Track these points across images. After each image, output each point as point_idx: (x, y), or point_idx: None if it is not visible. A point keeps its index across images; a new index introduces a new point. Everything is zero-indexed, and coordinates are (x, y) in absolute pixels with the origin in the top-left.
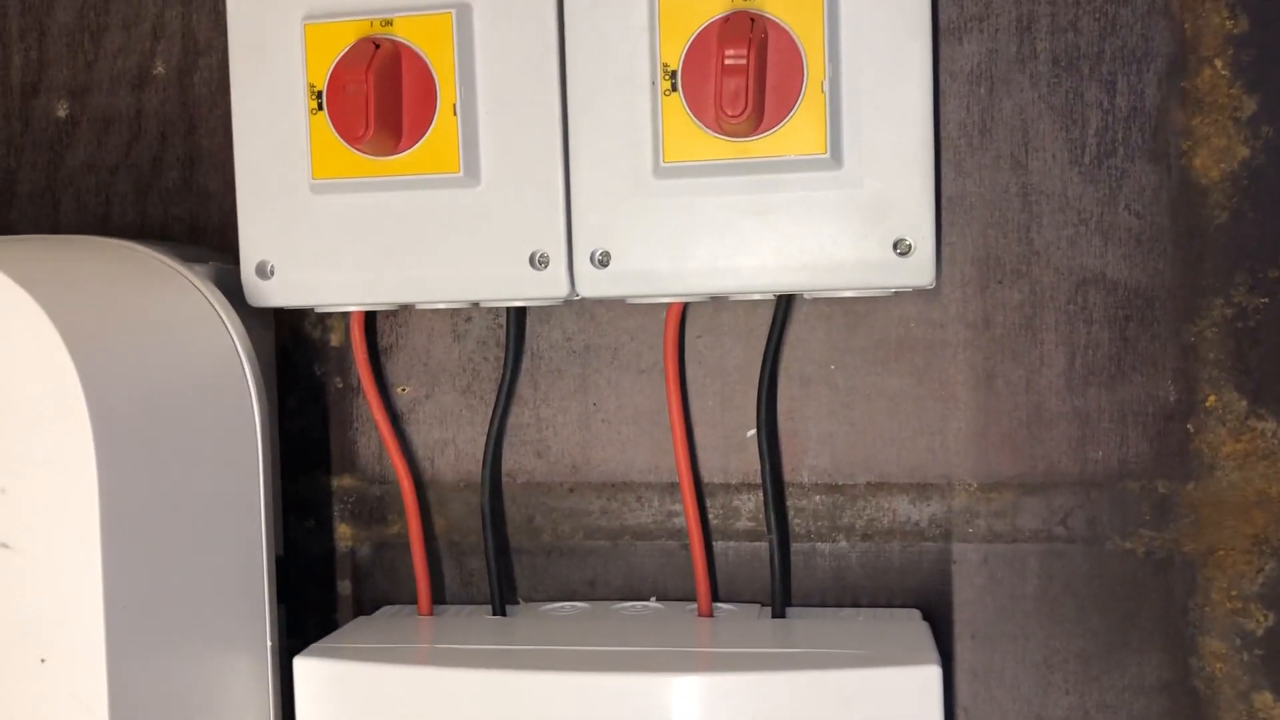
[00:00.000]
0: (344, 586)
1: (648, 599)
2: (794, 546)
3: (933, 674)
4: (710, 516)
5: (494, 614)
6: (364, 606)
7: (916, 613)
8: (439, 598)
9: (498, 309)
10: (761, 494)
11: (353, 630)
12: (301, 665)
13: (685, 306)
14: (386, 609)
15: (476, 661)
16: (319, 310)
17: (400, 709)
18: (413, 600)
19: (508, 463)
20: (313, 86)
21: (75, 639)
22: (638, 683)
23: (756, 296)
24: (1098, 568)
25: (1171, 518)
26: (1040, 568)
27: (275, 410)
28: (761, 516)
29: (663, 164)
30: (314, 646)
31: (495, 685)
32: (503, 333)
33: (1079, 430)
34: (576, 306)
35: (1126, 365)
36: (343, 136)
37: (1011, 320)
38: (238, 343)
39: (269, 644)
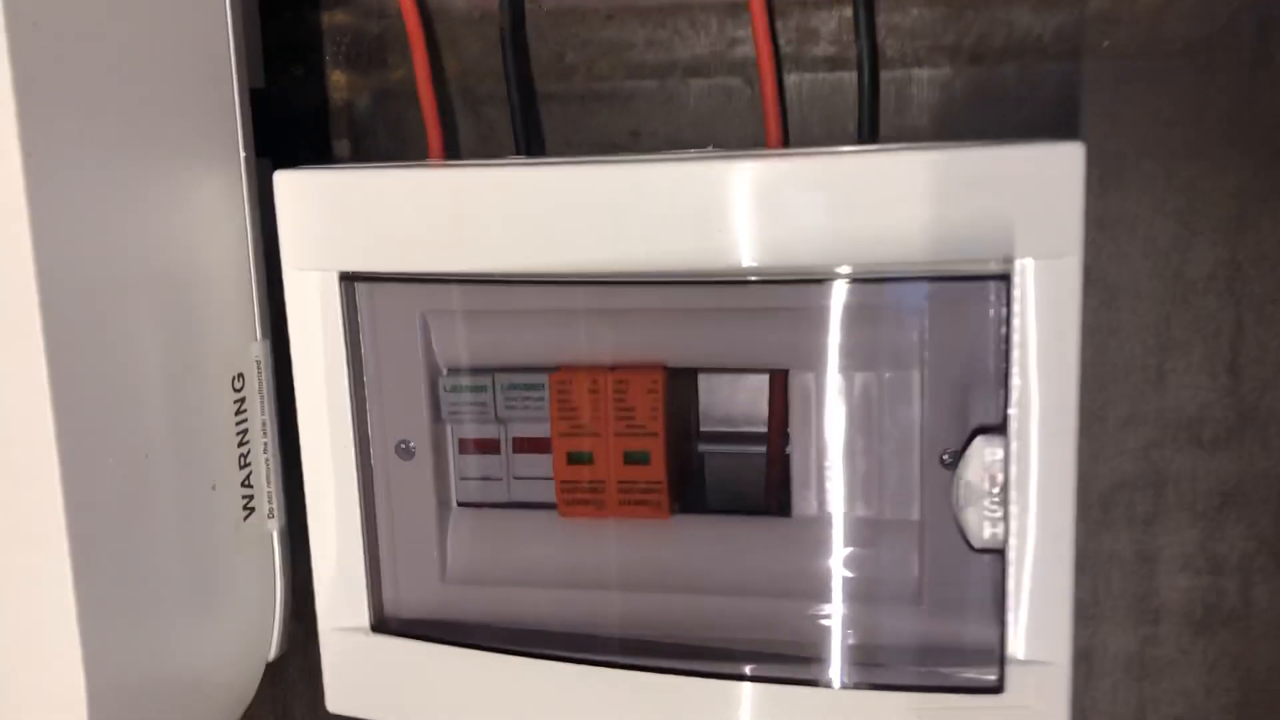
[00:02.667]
0: (341, 146)
1: (704, 148)
2: (884, 75)
3: (1076, 152)
4: (781, 42)
5: None
6: None
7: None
8: (453, 154)
9: None
10: (852, 8)
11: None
12: (282, 178)
13: None
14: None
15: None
16: None
17: (398, 216)
18: (422, 158)
19: None
20: None
21: None
22: (699, 170)
23: None
24: (1267, 88)
25: None
26: (1191, 89)
27: None
28: (844, 40)
29: None
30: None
31: (522, 180)
32: None
33: None
34: None
35: None
36: None
37: None
38: None
39: (241, 154)
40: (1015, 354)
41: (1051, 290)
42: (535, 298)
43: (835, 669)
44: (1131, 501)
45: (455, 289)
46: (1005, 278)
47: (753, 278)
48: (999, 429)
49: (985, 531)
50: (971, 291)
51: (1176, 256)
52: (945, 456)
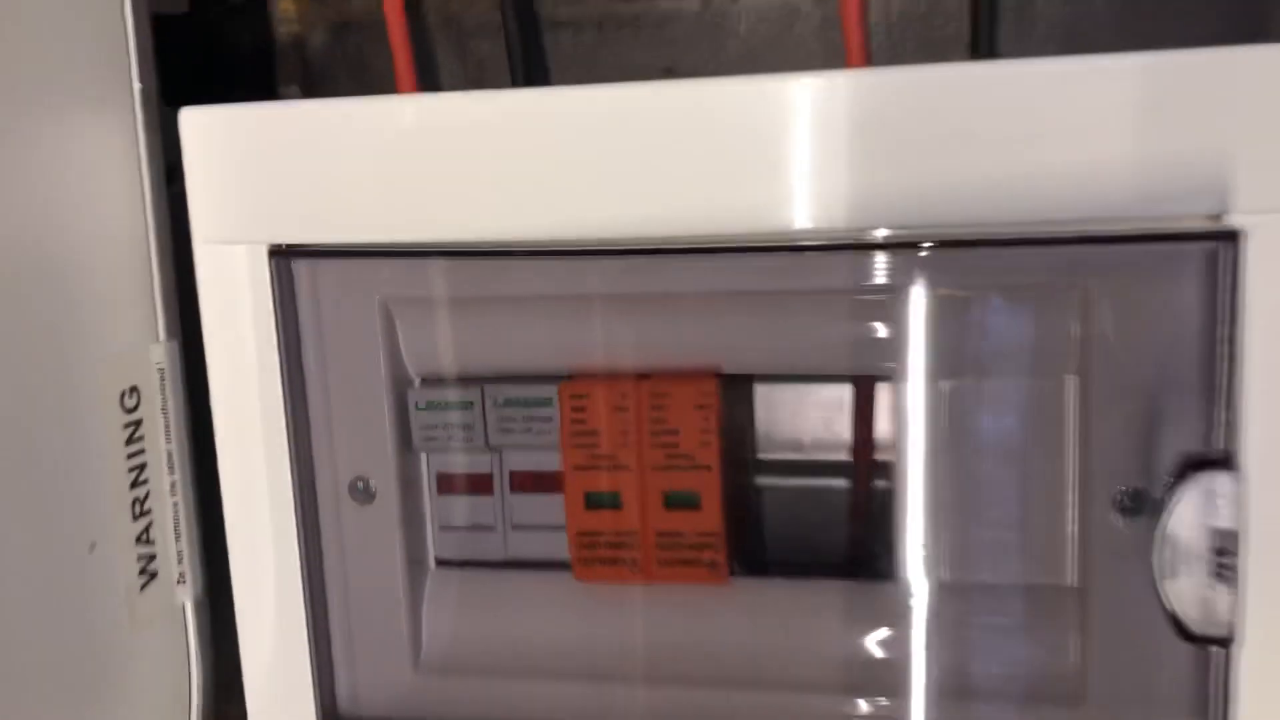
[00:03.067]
0: (291, 93)
1: None
2: None
3: None
4: None
5: None
6: None
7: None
8: None
9: None
10: None
11: None
12: (192, 118)
13: None
14: None
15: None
16: None
17: (349, 166)
18: None
19: None
20: None
21: None
22: (763, 91)
23: None
24: None
25: None
26: None
27: None
28: None
29: None
30: None
31: (520, 112)
32: None
33: None
34: None
35: None
36: None
37: None
38: None
39: (135, 87)
40: (1238, 350)
41: None
42: (539, 277)
43: None
44: None
45: (429, 266)
46: (1222, 239)
47: (834, 241)
48: (1220, 462)
49: (1206, 610)
50: (1165, 260)
51: None
52: (1121, 497)
